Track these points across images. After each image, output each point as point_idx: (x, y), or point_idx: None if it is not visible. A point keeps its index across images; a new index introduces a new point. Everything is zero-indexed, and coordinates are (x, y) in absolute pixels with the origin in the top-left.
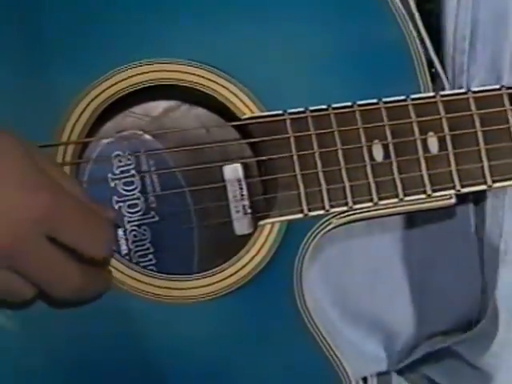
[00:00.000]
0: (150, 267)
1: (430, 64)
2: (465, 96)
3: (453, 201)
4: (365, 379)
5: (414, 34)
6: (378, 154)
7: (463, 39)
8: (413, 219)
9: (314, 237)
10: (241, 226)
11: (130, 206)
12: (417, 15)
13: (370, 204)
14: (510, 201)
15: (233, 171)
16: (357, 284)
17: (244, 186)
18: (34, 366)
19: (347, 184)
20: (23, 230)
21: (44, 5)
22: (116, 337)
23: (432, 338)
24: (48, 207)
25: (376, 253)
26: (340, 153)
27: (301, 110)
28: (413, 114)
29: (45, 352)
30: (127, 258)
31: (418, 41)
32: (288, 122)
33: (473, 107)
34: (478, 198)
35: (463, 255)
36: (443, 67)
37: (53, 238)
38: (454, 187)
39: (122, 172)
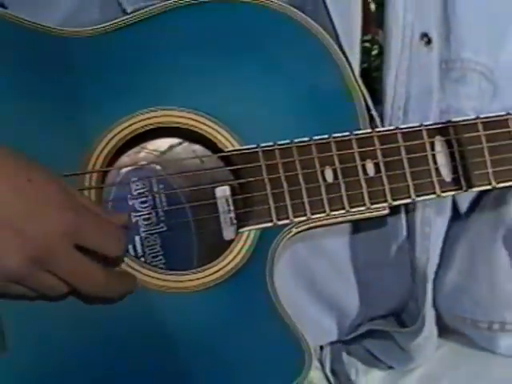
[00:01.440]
0: (160, 266)
1: (368, 108)
2: (394, 131)
3: (386, 211)
4: (321, 347)
5: (357, 88)
6: (329, 176)
7: (399, 109)
8: (357, 225)
9: (280, 241)
10: (227, 232)
11: (144, 219)
12: (360, 82)
13: (323, 215)
14: (436, 207)
15: (222, 191)
16: (320, 272)
17: (230, 203)
18: (74, 341)
19: (306, 200)
20: (55, 241)
21: (76, 62)
22: (133, 317)
23: (373, 319)
24: (73, 223)
25: (331, 251)
26: (300, 176)
27: (270, 144)
28: (355, 146)
29: (84, 331)
30: (142, 259)
31: (360, 93)
32: (260, 153)
33: (400, 140)
34: (408, 209)
35: (397, 256)
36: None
37: (79, 246)
38: (386, 201)
39: (138, 193)
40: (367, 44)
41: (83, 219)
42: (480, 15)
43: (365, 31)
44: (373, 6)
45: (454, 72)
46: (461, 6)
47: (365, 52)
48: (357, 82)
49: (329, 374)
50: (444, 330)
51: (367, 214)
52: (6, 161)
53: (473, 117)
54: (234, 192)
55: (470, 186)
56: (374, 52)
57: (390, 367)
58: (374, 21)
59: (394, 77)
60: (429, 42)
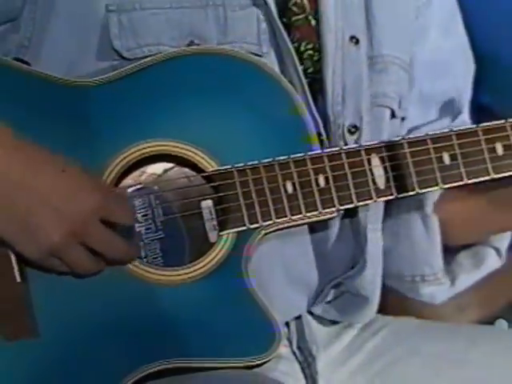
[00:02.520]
0: (160, 264)
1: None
2: (339, 151)
3: (335, 214)
4: (288, 327)
5: (305, 109)
6: (290, 188)
7: (338, 96)
8: (312, 225)
9: (253, 241)
10: (211, 236)
11: (146, 229)
12: (307, 87)
13: (285, 219)
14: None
15: (206, 203)
16: (289, 257)
17: (213, 212)
18: (85, 316)
19: (272, 208)
20: (86, 217)
21: (86, 106)
22: (137, 302)
23: (330, 282)
24: (99, 202)
25: (298, 239)
26: (267, 189)
27: (242, 164)
28: (309, 163)
29: (74, 295)
30: (145, 259)
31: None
32: (234, 172)
33: (344, 158)
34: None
35: (345, 237)
36: (326, 116)
37: (104, 220)
38: (334, 206)
39: (140, 207)
40: (311, 51)
41: (105, 199)
42: (394, 20)
43: (308, 41)
44: (313, 22)
45: (377, 65)
46: (379, 13)
47: (309, 59)
48: (308, 104)
49: (295, 350)
50: (389, 312)
51: (320, 217)
52: (44, 155)
53: (401, 138)
54: (215, 203)
55: (399, 192)
56: (316, 58)
57: (342, 335)
58: (315, 32)
59: (331, 72)
60: (357, 42)
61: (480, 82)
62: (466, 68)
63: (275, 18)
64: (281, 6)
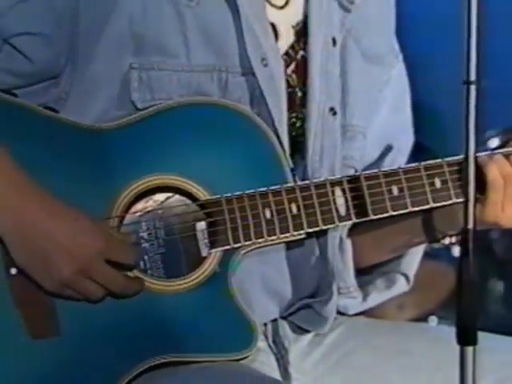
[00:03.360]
0: (161, 276)
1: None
2: (309, 184)
3: (304, 236)
4: (265, 325)
5: (282, 153)
6: (268, 214)
7: (316, 156)
8: (288, 245)
9: (236, 257)
10: (204, 252)
11: (150, 245)
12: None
13: (262, 240)
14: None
15: (200, 225)
16: (268, 274)
17: (205, 233)
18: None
19: (252, 231)
20: (93, 257)
21: (105, 145)
22: (141, 308)
23: (301, 299)
24: (104, 245)
25: (275, 260)
26: (249, 215)
27: (229, 195)
28: (284, 194)
29: (90, 310)
30: (149, 271)
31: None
32: (223, 201)
33: (313, 190)
34: (320, 235)
35: (313, 260)
36: (305, 171)
37: (108, 260)
38: (303, 229)
39: (146, 228)
40: (294, 119)
41: (110, 243)
42: (364, 94)
43: (292, 111)
44: (300, 94)
45: (348, 133)
46: (353, 88)
47: (292, 125)
48: (282, 148)
49: (271, 344)
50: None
51: (291, 238)
52: (59, 205)
53: (359, 173)
54: (207, 226)
55: (357, 218)
56: (298, 124)
57: (309, 330)
58: (300, 103)
59: (313, 136)
60: (334, 113)
61: (421, 129)
62: (406, 143)
63: (277, 87)
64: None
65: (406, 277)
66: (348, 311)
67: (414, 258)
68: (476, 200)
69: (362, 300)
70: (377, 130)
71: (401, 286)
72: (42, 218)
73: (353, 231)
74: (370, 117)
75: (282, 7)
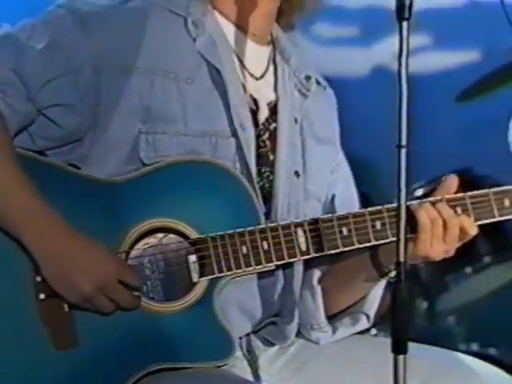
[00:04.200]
0: (161, 298)
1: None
2: (277, 226)
3: (273, 267)
4: (240, 338)
5: (257, 201)
6: (244, 250)
7: (284, 208)
8: (260, 274)
9: (220, 284)
10: (194, 279)
11: (151, 273)
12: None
13: (241, 271)
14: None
15: (192, 258)
16: (243, 300)
17: (196, 265)
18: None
19: (232, 263)
20: (109, 277)
21: (118, 194)
22: (141, 324)
23: (268, 318)
24: (117, 268)
25: (250, 287)
26: (230, 251)
27: (213, 234)
28: (258, 235)
29: (101, 321)
30: (150, 294)
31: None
32: (209, 239)
33: (280, 230)
34: (286, 268)
35: (280, 291)
36: (276, 219)
37: (120, 281)
38: (272, 262)
39: (148, 260)
40: (268, 173)
41: (121, 268)
42: (317, 170)
43: (266, 168)
44: (271, 157)
45: (305, 194)
46: (309, 162)
47: (266, 178)
48: (257, 196)
49: (245, 353)
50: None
51: (263, 269)
52: (81, 238)
53: (317, 218)
54: (197, 258)
55: (315, 253)
56: (271, 178)
57: (274, 343)
58: (272, 164)
59: (281, 193)
60: (298, 176)
61: (363, 179)
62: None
63: (250, 148)
64: (256, 150)
65: (367, 316)
66: (320, 342)
67: (373, 301)
68: (409, 239)
69: (332, 334)
70: (336, 202)
71: (363, 323)
72: (69, 247)
73: (323, 281)
74: (325, 189)
75: (258, 79)
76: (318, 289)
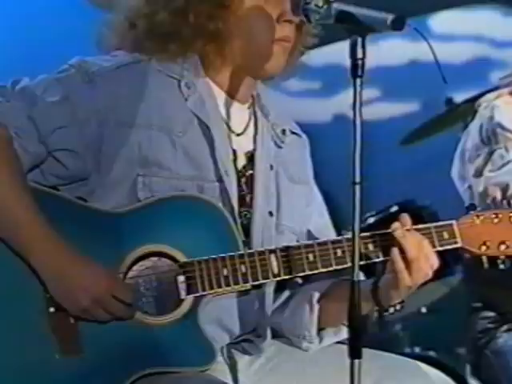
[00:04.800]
0: (153, 312)
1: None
2: (253, 252)
3: (249, 287)
4: (222, 347)
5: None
6: (226, 272)
7: (259, 239)
8: (238, 296)
9: (204, 300)
10: (182, 296)
11: (145, 289)
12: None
13: (221, 290)
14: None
15: (180, 278)
16: (224, 318)
17: (184, 284)
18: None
19: (214, 283)
20: (104, 293)
21: (119, 224)
22: (132, 334)
23: (245, 333)
24: (112, 284)
25: (227, 309)
26: (212, 272)
27: (199, 258)
28: (238, 261)
29: (102, 331)
30: (144, 309)
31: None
32: (195, 262)
33: (256, 255)
34: (259, 293)
35: (255, 312)
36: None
37: (114, 296)
38: (248, 283)
39: (143, 280)
40: (246, 213)
41: (116, 285)
42: (291, 205)
43: (245, 207)
44: (248, 199)
45: (279, 228)
46: (284, 200)
47: (243, 216)
48: (238, 231)
49: (225, 358)
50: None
51: (241, 289)
52: (82, 260)
53: (287, 245)
54: (185, 279)
55: (286, 275)
56: (248, 216)
57: (251, 354)
58: (249, 204)
59: (257, 228)
60: (271, 215)
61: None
62: (330, 234)
63: (233, 191)
64: (237, 192)
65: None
66: (309, 350)
67: None
68: (390, 285)
69: (319, 343)
70: (313, 231)
71: (344, 333)
72: (69, 268)
73: (322, 301)
74: (301, 222)
75: (239, 134)
76: (317, 307)
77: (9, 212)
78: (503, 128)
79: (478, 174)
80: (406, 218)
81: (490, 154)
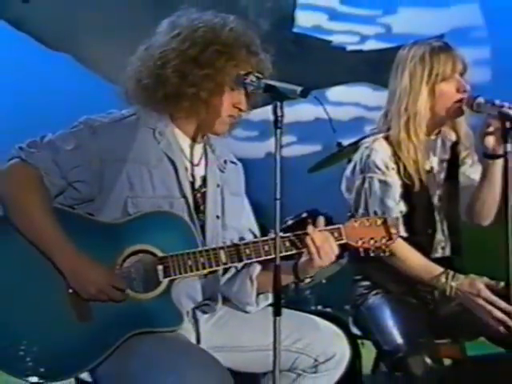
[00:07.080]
0: (141, 291)
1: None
2: (215, 250)
3: (205, 272)
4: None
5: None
6: (189, 262)
7: (212, 239)
8: (200, 277)
9: (175, 281)
10: (161, 278)
11: (136, 276)
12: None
13: (188, 274)
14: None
15: (159, 267)
16: (190, 290)
17: (162, 271)
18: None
19: (182, 269)
20: (105, 284)
21: (116, 231)
22: (126, 306)
23: (204, 300)
24: (110, 277)
25: (193, 284)
26: (181, 263)
27: (172, 253)
28: (191, 256)
29: (105, 306)
30: (135, 288)
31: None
32: (169, 256)
33: (218, 250)
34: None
35: (211, 285)
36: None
37: (111, 285)
38: (206, 269)
39: (134, 268)
40: (202, 217)
41: (113, 277)
42: (232, 211)
43: (202, 214)
44: (202, 208)
45: (225, 227)
46: (226, 208)
47: (201, 220)
48: (197, 233)
49: (191, 319)
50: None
51: (200, 274)
52: (88, 260)
53: (234, 243)
54: (163, 268)
55: (231, 262)
56: (202, 219)
57: (208, 313)
58: (203, 212)
59: (209, 230)
60: (218, 218)
61: (260, 215)
62: (255, 231)
63: (191, 204)
64: (195, 204)
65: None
66: (250, 312)
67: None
68: (306, 264)
69: (256, 306)
70: (243, 226)
71: (271, 298)
72: (79, 266)
73: (259, 276)
74: (238, 220)
75: (196, 165)
76: (255, 282)
77: (37, 225)
78: (375, 165)
79: (353, 191)
80: (321, 220)
81: (363, 179)
